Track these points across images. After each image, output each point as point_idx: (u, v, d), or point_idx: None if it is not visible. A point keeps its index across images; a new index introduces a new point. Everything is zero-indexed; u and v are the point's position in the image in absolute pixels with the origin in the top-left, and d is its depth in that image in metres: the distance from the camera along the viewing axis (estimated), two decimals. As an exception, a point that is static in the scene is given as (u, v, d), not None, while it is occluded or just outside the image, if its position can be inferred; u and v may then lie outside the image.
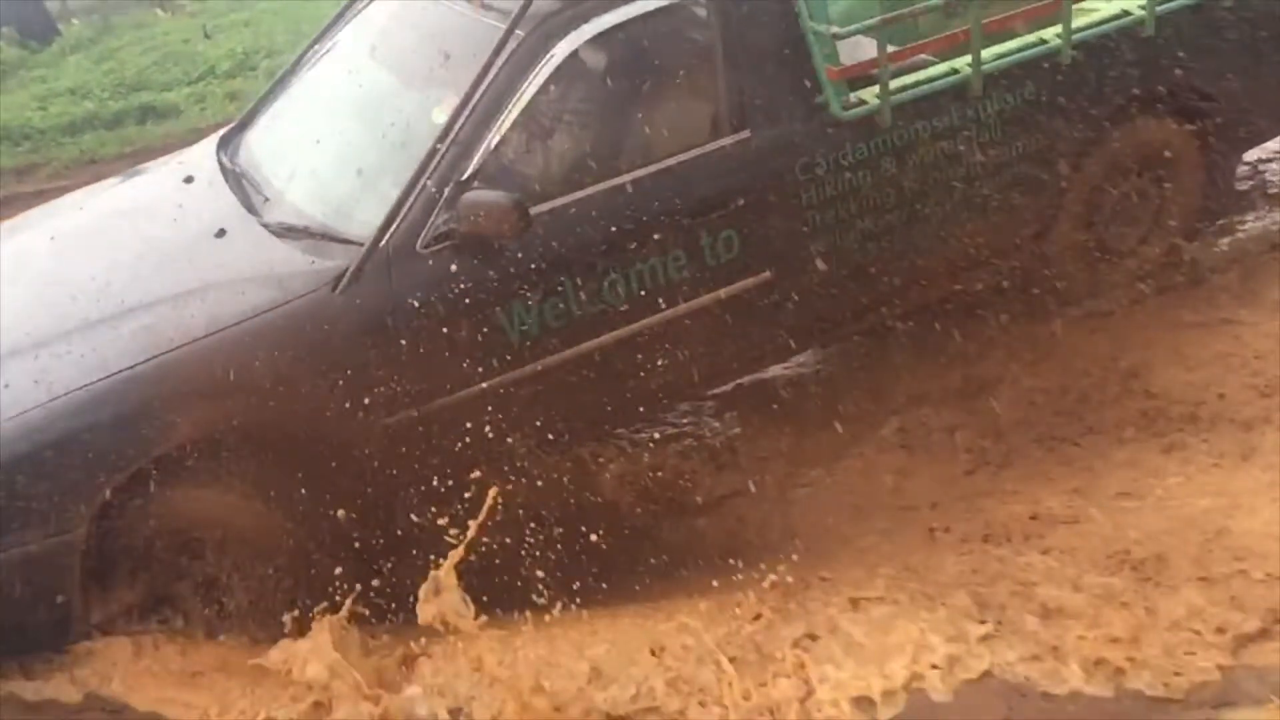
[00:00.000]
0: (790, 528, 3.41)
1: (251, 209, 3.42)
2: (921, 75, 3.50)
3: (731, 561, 3.12)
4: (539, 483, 3.37)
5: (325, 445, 3.06)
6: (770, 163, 3.33)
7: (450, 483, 3.22)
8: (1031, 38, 3.62)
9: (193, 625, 3.11)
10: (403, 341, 3.05)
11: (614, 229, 3.19)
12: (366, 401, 3.04)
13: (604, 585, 3.13)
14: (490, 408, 3.18)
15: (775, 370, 4.03)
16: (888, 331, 3.87)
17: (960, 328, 3.88)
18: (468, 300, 3.08)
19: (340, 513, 3.12)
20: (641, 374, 3.36)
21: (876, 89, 3.44)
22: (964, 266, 3.76)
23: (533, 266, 3.13)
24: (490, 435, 3.22)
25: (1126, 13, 3.68)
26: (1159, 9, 3.65)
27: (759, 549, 3.30)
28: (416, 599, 2.96)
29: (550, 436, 3.32)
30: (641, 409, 3.52)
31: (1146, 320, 3.93)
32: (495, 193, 3.00)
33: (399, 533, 3.19)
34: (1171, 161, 3.95)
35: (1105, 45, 3.66)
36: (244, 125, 4.03)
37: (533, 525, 3.26)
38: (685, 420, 4.00)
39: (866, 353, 4.05)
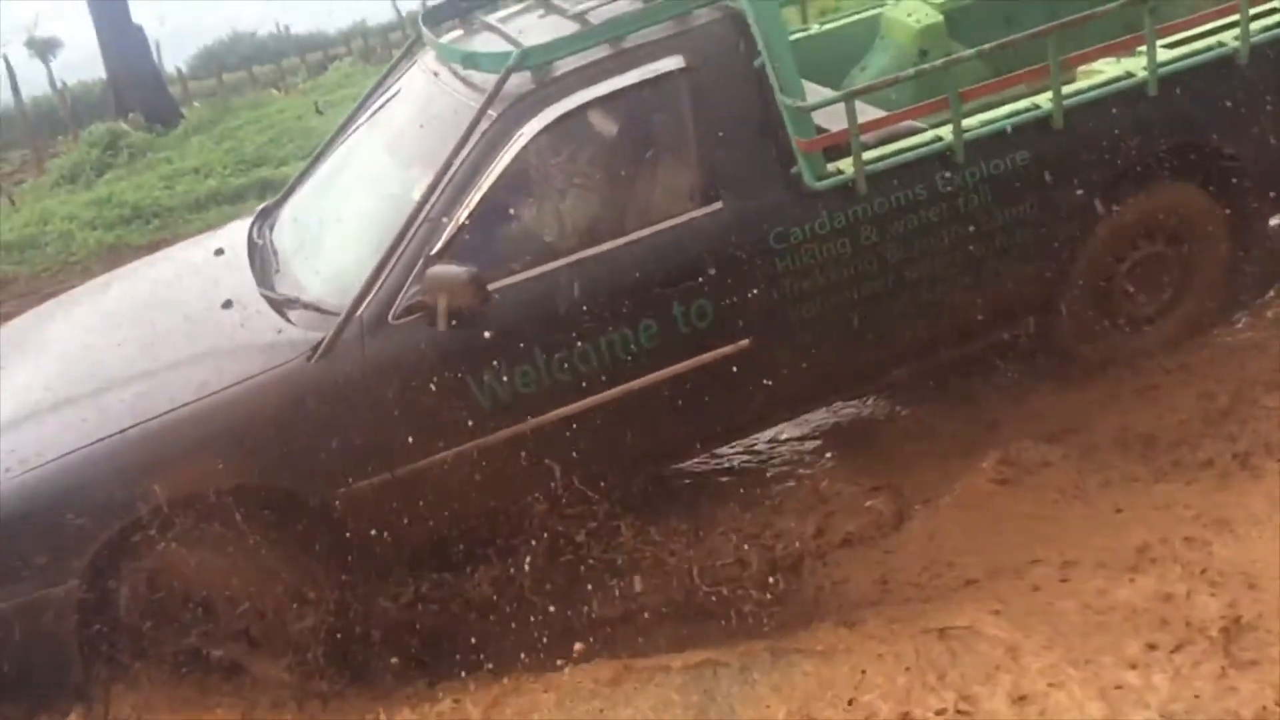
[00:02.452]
0: (903, 571, 3.34)
1: (262, 281, 3.64)
2: (905, 143, 3.48)
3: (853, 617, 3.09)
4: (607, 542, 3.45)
5: (303, 508, 3.22)
6: (743, 233, 3.36)
7: (427, 546, 3.38)
8: (1024, 103, 3.57)
9: (193, 677, 3.30)
10: (376, 408, 3.19)
11: (583, 299, 3.28)
12: (341, 465, 3.19)
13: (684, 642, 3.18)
14: (465, 473, 3.30)
15: (864, 408, 4.08)
16: (973, 370, 3.87)
17: (1045, 364, 3.90)
18: (439, 369, 3.21)
19: (322, 573, 3.27)
20: (619, 441, 3.42)
21: (876, 152, 3.46)
22: (961, 334, 3.70)
23: (503, 336, 3.24)
24: (468, 500, 3.34)
25: (1130, 74, 3.59)
26: (1162, 71, 3.56)
27: (884, 598, 3.25)
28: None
29: (529, 501, 3.41)
30: (622, 475, 3.54)
31: (1241, 357, 3.83)
32: (455, 266, 3.13)
33: (379, 594, 3.33)
34: (1193, 226, 3.81)
35: (1107, 108, 3.58)
36: (282, 200, 4.29)
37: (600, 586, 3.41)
38: (762, 465, 4.06)
39: (954, 389, 3.98)
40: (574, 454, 3.38)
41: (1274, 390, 3.57)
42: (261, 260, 3.82)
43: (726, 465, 4.10)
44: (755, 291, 3.40)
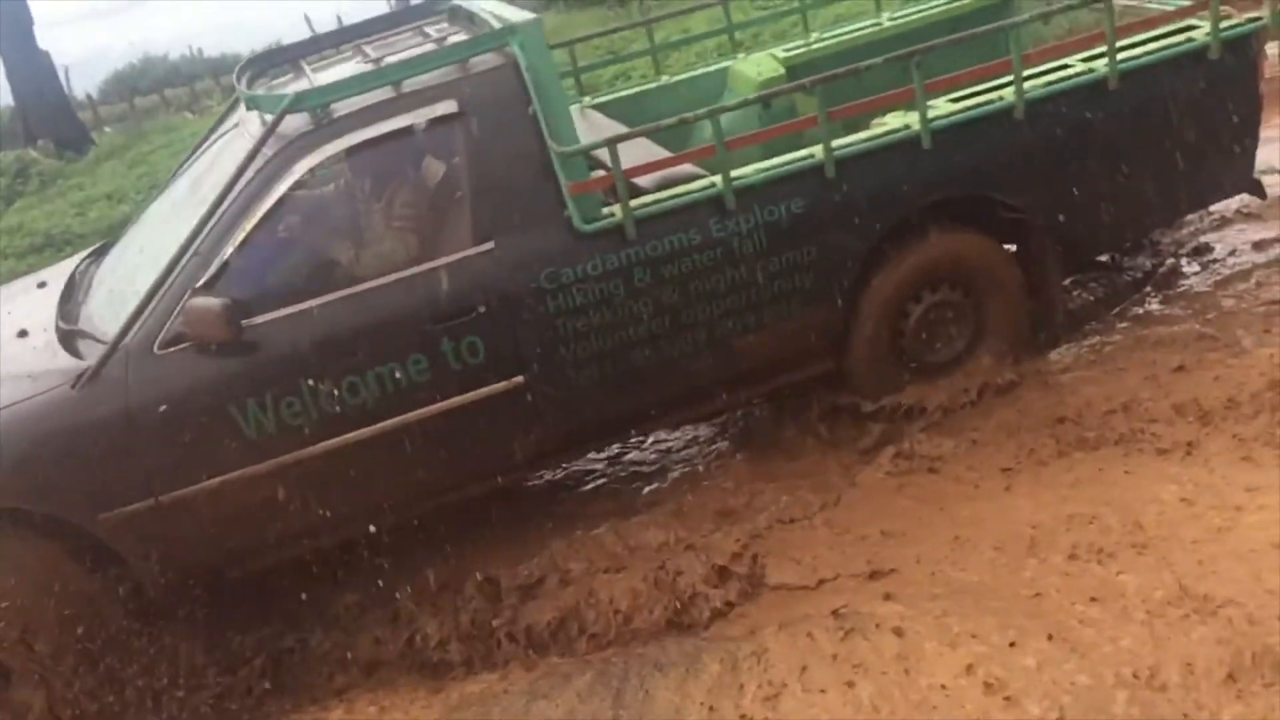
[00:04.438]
0: (805, 563, 3.44)
1: (64, 313, 3.73)
2: (675, 190, 3.57)
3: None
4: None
5: (69, 530, 3.29)
6: (514, 272, 3.45)
7: (203, 573, 3.44)
8: (801, 152, 3.67)
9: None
10: (139, 435, 3.27)
11: (351, 333, 3.37)
12: (104, 491, 3.26)
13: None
14: (235, 502, 3.36)
15: (762, 412, 4.20)
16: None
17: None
18: (203, 399, 3.29)
19: (88, 599, 3.34)
20: (393, 473, 3.48)
21: (648, 199, 3.56)
22: (745, 376, 3.78)
23: (269, 368, 3.32)
24: (241, 528, 3.41)
25: (908, 126, 3.70)
26: (937, 124, 3.67)
27: (787, 592, 3.37)
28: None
29: (302, 529, 3.49)
30: (396, 507, 3.59)
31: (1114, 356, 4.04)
32: (210, 299, 3.22)
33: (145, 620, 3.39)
34: (981, 276, 3.90)
35: (883, 158, 3.68)
36: (119, 236, 4.39)
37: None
38: (663, 469, 4.19)
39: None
40: (348, 485, 3.45)
41: (1150, 383, 3.77)
42: (73, 293, 3.92)
43: (621, 469, 4.28)
44: (527, 330, 3.49)
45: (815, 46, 5.08)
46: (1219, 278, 4.43)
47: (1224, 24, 3.85)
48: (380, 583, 3.61)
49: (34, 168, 10.43)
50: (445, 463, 3.55)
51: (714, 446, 4.25)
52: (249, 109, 3.60)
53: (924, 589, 3.14)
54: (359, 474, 3.45)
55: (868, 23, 5.27)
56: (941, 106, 3.77)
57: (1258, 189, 4.17)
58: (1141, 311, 4.35)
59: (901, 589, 3.17)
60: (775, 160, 3.67)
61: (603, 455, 4.32)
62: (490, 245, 3.46)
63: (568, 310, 3.50)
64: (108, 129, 11.37)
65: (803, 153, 3.68)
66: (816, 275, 3.68)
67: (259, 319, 3.34)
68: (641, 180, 3.62)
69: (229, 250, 3.33)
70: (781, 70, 4.91)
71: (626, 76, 6.99)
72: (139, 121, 11.37)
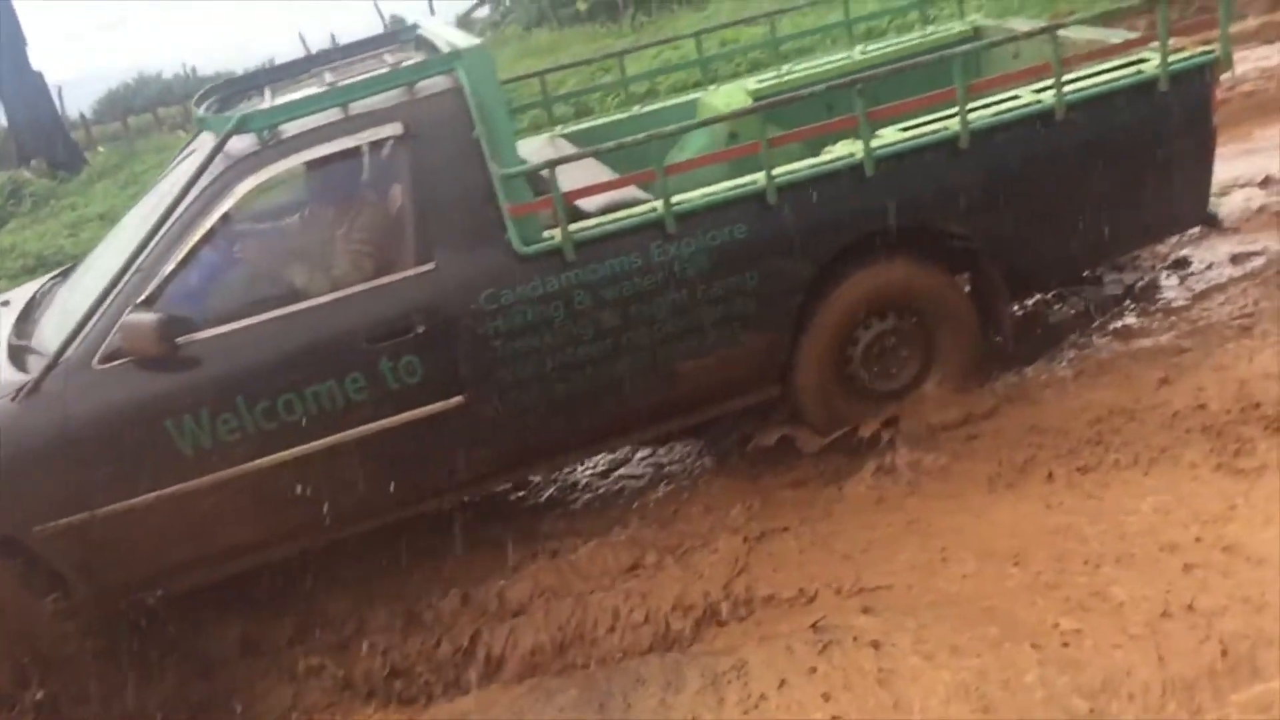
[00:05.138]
0: (787, 578, 3.45)
1: (18, 330, 3.80)
2: (616, 214, 3.60)
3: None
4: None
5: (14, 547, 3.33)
6: (454, 293, 3.48)
7: (139, 587, 3.47)
8: (744, 179, 3.70)
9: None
10: (74, 449, 3.31)
11: (288, 351, 3.41)
12: (40, 503, 3.30)
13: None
14: (168, 516, 3.39)
15: (750, 426, 4.18)
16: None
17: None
18: (140, 414, 3.33)
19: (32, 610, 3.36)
20: (328, 491, 3.50)
21: (589, 222, 3.59)
22: (690, 400, 3.78)
23: (205, 384, 3.37)
24: (174, 541, 3.44)
25: (852, 154, 3.72)
26: (881, 152, 3.68)
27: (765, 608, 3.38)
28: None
29: (239, 546, 3.51)
30: (338, 525, 3.61)
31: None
32: (145, 314, 3.27)
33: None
34: (929, 303, 3.90)
35: (827, 186, 3.69)
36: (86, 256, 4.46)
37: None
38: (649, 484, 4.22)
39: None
40: (285, 502, 3.47)
41: (1129, 395, 3.79)
42: (31, 310, 3.98)
43: (608, 484, 4.32)
44: (466, 350, 3.51)
45: (785, 78, 5.13)
46: (1197, 291, 4.47)
47: (1174, 57, 3.85)
48: (367, 600, 3.68)
49: (27, 188, 10.50)
50: (384, 481, 3.56)
51: (700, 461, 4.29)
52: (199, 129, 3.67)
53: (904, 602, 3.16)
54: (295, 491, 3.48)
55: (839, 55, 5.33)
56: (889, 135, 3.79)
57: (1212, 221, 4.17)
58: (1121, 325, 4.39)
59: (880, 602, 3.18)
60: (717, 186, 3.69)
61: (591, 469, 4.39)
62: (431, 266, 3.49)
63: (507, 332, 3.52)
64: (101, 148, 11.45)
65: (745, 179, 3.70)
66: (759, 301, 3.69)
67: (198, 335, 3.38)
68: (586, 204, 3.65)
69: (169, 267, 3.38)
70: (750, 101, 4.95)
71: (619, 95, 7.07)
72: (132, 141, 11.42)
